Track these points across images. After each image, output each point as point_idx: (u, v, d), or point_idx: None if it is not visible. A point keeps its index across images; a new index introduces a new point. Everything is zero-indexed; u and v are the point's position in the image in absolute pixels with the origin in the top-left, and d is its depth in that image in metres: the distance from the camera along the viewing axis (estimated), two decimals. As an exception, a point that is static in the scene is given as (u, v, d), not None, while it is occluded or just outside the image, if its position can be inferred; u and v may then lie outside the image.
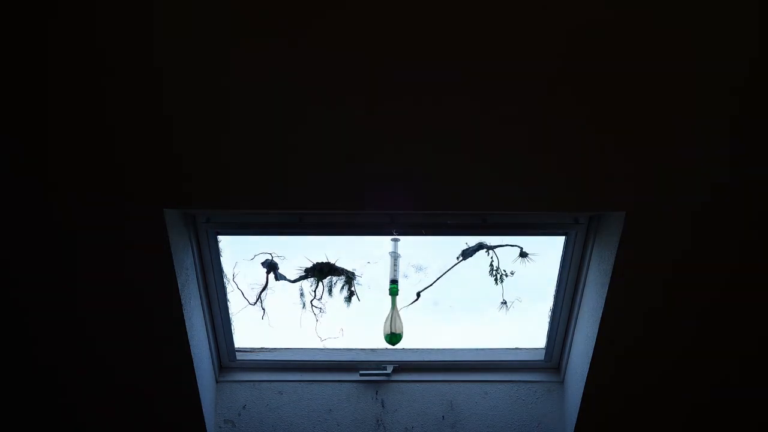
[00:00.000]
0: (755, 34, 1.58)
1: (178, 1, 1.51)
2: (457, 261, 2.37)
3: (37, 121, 1.72)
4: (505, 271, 2.38)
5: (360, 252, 2.47)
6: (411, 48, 1.60)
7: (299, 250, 2.41)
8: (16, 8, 1.51)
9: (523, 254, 2.35)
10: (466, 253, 2.37)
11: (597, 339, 2.19)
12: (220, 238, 2.28)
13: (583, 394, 2.31)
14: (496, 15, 1.55)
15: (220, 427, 2.50)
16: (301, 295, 2.44)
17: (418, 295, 2.43)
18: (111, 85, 1.65)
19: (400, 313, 2.46)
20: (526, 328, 2.57)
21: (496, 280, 2.38)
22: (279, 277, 2.41)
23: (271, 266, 2.39)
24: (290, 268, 2.41)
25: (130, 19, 1.54)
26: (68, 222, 1.92)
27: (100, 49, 1.59)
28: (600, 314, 2.14)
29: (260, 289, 2.41)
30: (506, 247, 2.36)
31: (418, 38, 1.59)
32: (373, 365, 2.55)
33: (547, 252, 2.38)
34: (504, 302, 2.41)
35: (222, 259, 2.33)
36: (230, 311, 2.46)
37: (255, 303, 2.43)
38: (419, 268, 2.45)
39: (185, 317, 2.15)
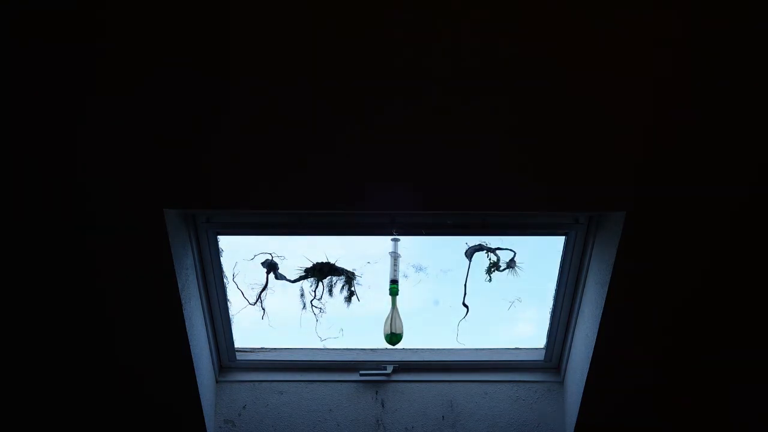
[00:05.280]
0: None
1: None
2: (468, 260, 2.37)
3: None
4: (501, 269, 2.38)
5: (360, 252, 2.47)
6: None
7: (299, 250, 2.41)
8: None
9: (510, 264, 2.35)
10: (466, 254, 2.38)
11: (597, 339, 2.19)
12: (220, 238, 2.28)
13: (583, 394, 2.31)
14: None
15: (220, 427, 2.50)
16: (301, 295, 2.44)
17: (466, 306, 2.43)
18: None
19: (400, 313, 2.46)
20: (526, 328, 2.58)
21: (489, 276, 2.39)
22: (279, 277, 2.41)
23: (271, 266, 2.39)
24: (290, 268, 2.42)
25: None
26: (68, 222, 1.92)
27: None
28: (600, 314, 2.14)
29: (260, 289, 2.41)
30: (505, 251, 2.37)
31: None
32: (373, 365, 2.55)
33: (546, 252, 2.38)
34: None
35: (222, 259, 2.33)
36: (230, 311, 2.46)
37: (255, 303, 2.43)
38: (419, 268, 2.45)
39: (185, 317, 2.14)
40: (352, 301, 2.43)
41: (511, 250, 2.37)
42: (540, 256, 2.40)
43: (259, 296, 2.42)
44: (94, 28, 1.56)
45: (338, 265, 2.41)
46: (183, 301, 2.12)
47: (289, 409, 2.51)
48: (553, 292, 2.43)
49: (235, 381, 2.54)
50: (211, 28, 1.58)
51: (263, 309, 2.44)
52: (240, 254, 2.38)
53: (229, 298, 2.42)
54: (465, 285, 2.41)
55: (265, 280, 2.40)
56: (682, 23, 1.57)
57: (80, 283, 2.05)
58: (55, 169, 1.82)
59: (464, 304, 2.43)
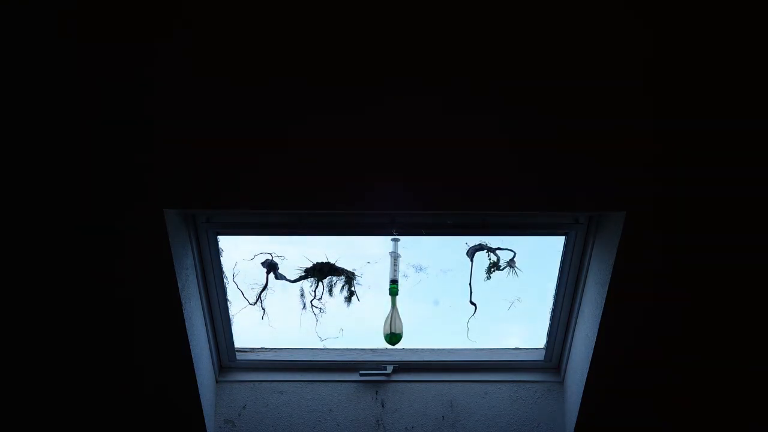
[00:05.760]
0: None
1: None
2: (470, 260, 2.37)
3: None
4: (501, 268, 2.38)
5: (360, 252, 2.47)
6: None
7: (299, 250, 2.42)
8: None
9: (510, 263, 2.36)
10: (468, 254, 2.38)
11: (597, 339, 2.18)
12: (220, 237, 2.28)
13: (583, 394, 2.31)
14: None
15: (220, 427, 2.50)
16: (302, 295, 2.44)
17: (474, 304, 2.43)
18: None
19: (401, 313, 2.46)
20: (526, 328, 2.58)
21: (489, 275, 2.39)
22: (279, 277, 2.41)
23: (271, 266, 2.39)
24: (290, 268, 2.42)
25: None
26: (68, 221, 1.92)
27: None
28: (600, 314, 2.14)
29: (260, 289, 2.41)
30: (505, 251, 2.37)
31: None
32: (373, 365, 2.55)
33: (546, 252, 2.38)
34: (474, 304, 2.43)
35: (222, 259, 2.32)
36: (230, 311, 2.46)
37: (255, 303, 2.42)
38: (419, 268, 2.45)
39: (185, 317, 2.14)
40: (352, 301, 2.43)
41: (511, 250, 2.37)
42: (540, 256, 2.40)
43: (259, 296, 2.42)
44: (98, 27, 1.56)
45: (338, 265, 2.41)
46: (183, 301, 2.12)
47: (289, 409, 2.51)
48: (553, 292, 2.43)
49: (235, 381, 2.54)
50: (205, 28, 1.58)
51: (263, 309, 2.44)
52: (240, 254, 2.39)
53: (229, 298, 2.42)
54: (470, 284, 2.41)
55: (265, 280, 2.40)
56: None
57: (80, 283, 2.05)
58: (56, 169, 1.82)
59: (471, 302, 2.43)
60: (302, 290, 2.43)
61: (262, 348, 2.60)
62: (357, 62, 1.64)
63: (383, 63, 1.64)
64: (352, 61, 1.64)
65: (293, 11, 1.55)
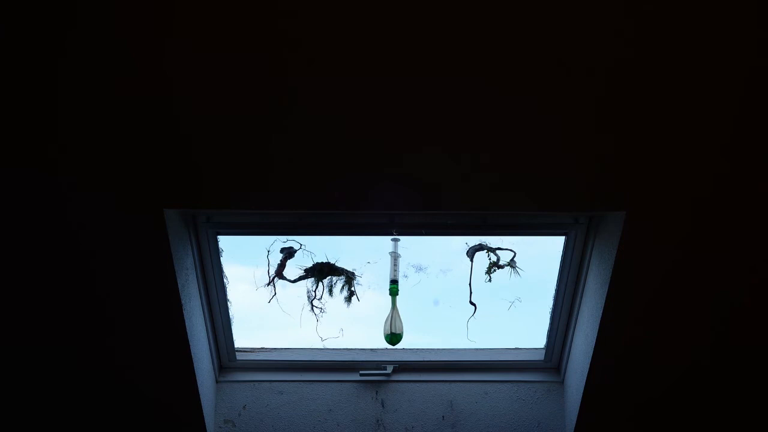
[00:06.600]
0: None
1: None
2: (471, 260, 2.38)
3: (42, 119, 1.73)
4: (502, 267, 2.38)
5: (360, 252, 2.48)
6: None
7: (299, 250, 2.41)
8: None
9: (511, 263, 2.36)
10: (468, 254, 2.38)
11: (597, 339, 2.19)
12: (220, 237, 2.28)
13: (583, 394, 2.31)
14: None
15: (220, 427, 2.50)
16: (311, 297, 2.44)
17: (473, 304, 2.44)
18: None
19: (401, 313, 2.46)
20: (526, 328, 2.58)
21: (489, 276, 2.40)
22: (280, 277, 2.41)
23: (289, 254, 2.38)
24: (290, 268, 2.42)
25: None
26: (68, 221, 1.92)
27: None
28: (600, 314, 2.14)
29: (275, 274, 2.40)
30: (505, 251, 2.37)
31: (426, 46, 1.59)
32: (373, 365, 2.55)
33: (547, 252, 2.38)
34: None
35: (222, 259, 2.33)
36: (230, 311, 2.46)
37: (268, 284, 2.41)
38: (419, 268, 2.45)
39: (185, 317, 2.14)
40: (352, 301, 2.43)
41: (511, 250, 2.37)
42: (540, 256, 2.40)
43: (272, 280, 2.41)
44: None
45: (338, 265, 2.41)
46: (183, 301, 2.12)
47: (289, 409, 2.51)
48: (553, 292, 2.43)
49: (235, 381, 2.54)
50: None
51: (275, 293, 2.42)
52: (238, 253, 2.39)
53: (229, 298, 2.43)
54: (470, 284, 2.42)
55: (281, 265, 2.39)
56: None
57: (80, 283, 2.05)
58: (56, 168, 1.82)
59: (471, 303, 2.43)
60: (312, 293, 2.43)
61: (262, 348, 2.60)
62: (362, 53, 1.64)
63: (386, 57, 1.64)
64: (359, 51, 1.63)
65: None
